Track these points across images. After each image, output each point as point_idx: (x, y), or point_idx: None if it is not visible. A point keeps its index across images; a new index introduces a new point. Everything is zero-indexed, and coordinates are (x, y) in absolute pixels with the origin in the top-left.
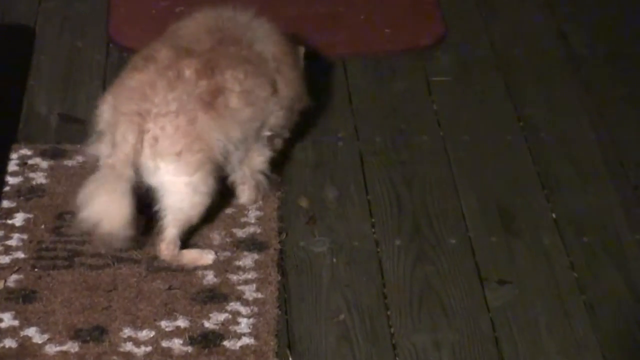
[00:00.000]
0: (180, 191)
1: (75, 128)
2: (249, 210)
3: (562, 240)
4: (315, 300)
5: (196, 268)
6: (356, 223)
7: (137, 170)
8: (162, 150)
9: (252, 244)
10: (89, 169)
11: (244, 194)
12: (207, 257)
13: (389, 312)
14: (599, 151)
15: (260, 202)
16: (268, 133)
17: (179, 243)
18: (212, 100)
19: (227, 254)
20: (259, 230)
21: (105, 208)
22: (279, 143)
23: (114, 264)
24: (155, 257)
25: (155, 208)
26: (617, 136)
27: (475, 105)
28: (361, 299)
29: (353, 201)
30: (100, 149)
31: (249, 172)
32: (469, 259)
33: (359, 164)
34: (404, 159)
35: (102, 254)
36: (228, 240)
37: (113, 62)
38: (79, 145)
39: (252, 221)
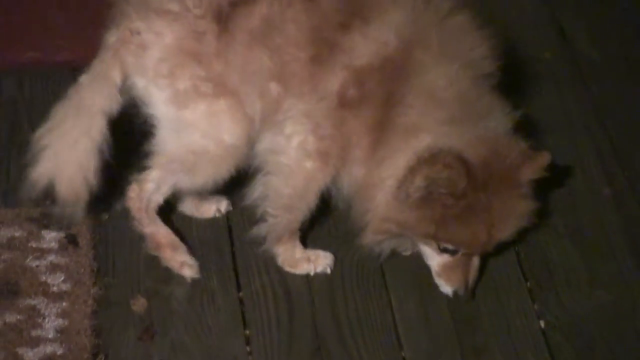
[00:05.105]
0: (168, 125)
1: None
2: (44, 318)
3: None
4: None
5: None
6: (220, 337)
7: (126, 84)
8: (149, 67)
9: None
10: None
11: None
12: (187, 261)
13: None
14: None
15: (64, 304)
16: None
17: (157, 200)
18: (230, 12)
19: None
20: (60, 351)
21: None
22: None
23: None
24: None
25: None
26: None
27: None
28: None
29: (215, 301)
30: None
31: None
32: None
33: (226, 237)
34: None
35: None
36: None
37: None
38: None
39: (50, 335)
